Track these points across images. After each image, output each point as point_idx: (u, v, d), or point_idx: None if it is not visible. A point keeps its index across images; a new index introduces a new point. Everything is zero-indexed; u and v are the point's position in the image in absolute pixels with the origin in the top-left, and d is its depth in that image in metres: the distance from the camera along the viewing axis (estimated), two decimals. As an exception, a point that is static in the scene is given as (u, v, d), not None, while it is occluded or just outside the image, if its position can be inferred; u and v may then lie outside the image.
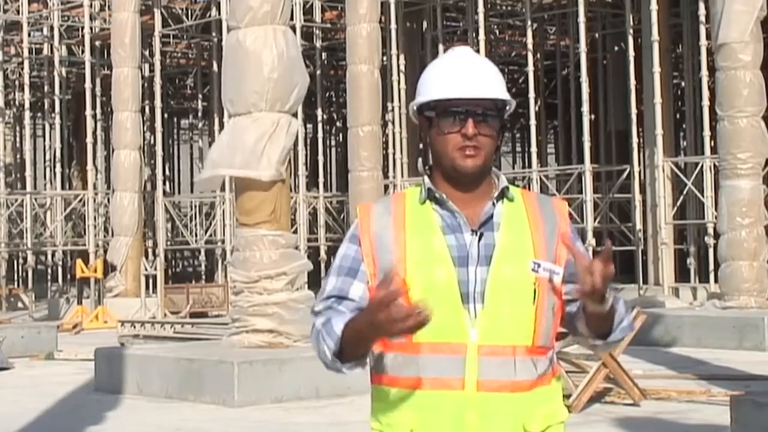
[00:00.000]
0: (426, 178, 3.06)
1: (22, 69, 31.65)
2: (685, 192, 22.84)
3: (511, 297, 2.95)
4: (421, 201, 3.03)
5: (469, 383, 2.92)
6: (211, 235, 29.76)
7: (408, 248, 2.97)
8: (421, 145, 3.22)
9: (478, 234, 2.98)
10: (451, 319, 2.93)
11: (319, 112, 29.81)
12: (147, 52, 31.02)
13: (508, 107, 3.07)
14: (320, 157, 29.82)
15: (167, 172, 37.83)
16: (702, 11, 22.17)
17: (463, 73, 3.02)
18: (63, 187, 32.53)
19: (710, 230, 21.26)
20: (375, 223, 3.03)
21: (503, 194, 3.04)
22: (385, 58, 25.24)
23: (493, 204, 3.02)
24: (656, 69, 22.09)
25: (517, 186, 3.25)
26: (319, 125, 29.97)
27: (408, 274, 2.94)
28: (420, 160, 3.13)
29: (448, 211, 3.01)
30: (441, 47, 27.52)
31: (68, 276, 29.26)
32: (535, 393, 2.98)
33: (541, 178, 25.33)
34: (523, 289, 2.96)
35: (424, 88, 3.06)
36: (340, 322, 2.91)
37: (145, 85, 29.18)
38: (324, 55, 32.44)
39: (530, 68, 26.07)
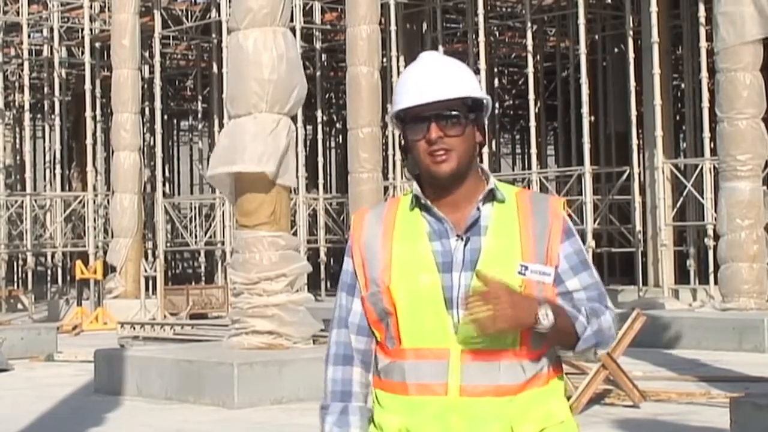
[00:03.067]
0: (415, 184, 3.05)
1: (22, 70, 31.69)
2: (684, 194, 22.85)
3: None
4: (411, 208, 3.03)
5: (452, 388, 2.91)
6: (210, 237, 29.76)
7: (394, 255, 2.97)
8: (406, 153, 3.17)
9: (464, 239, 2.96)
10: (434, 324, 2.92)
11: (319, 113, 29.83)
12: (147, 54, 31.04)
13: (485, 102, 3.02)
14: (320, 159, 29.83)
15: (167, 173, 37.82)
16: (702, 13, 22.18)
17: (422, 79, 2.99)
18: (63, 189, 32.52)
19: (710, 232, 21.26)
20: (365, 233, 3.04)
21: (490, 196, 3.01)
22: (384, 60, 25.25)
23: (479, 207, 2.99)
24: (656, 71, 22.10)
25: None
26: (319, 127, 29.98)
27: (393, 280, 2.95)
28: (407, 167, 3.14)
29: (435, 217, 2.99)
30: (441, 49, 27.52)
31: (68, 277, 29.26)
32: (524, 396, 2.94)
33: (540, 180, 25.34)
34: None
35: (393, 100, 3.08)
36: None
37: (145, 86, 29.17)
38: (324, 56, 32.45)
39: (530, 70, 26.09)
